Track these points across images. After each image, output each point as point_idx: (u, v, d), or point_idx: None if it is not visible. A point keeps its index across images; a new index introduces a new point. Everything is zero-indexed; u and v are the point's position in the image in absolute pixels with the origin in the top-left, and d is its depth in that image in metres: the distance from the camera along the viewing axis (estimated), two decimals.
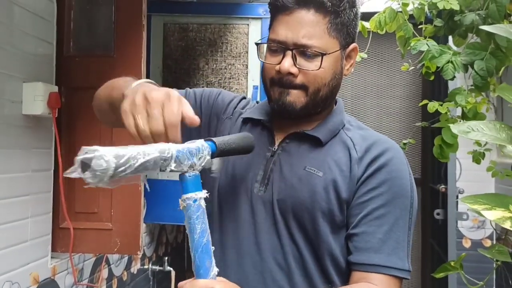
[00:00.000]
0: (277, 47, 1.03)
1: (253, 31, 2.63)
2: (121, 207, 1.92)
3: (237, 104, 1.20)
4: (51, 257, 1.86)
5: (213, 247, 0.84)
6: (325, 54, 1.01)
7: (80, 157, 0.71)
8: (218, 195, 1.10)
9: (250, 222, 1.06)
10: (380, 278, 0.99)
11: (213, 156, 0.85)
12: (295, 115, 1.05)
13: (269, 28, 1.07)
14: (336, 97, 1.15)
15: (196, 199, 0.82)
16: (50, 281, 1.85)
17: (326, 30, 1.02)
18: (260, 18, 2.61)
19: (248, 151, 0.96)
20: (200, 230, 0.81)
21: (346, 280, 1.04)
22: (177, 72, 2.67)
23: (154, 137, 0.82)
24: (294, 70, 1.02)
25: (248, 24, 2.64)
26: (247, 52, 2.64)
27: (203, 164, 0.83)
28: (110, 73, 1.90)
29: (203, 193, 0.83)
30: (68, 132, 1.90)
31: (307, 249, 1.03)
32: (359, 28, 1.12)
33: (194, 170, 0.82)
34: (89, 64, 1.92)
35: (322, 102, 1.06)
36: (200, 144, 0.84)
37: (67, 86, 1.89)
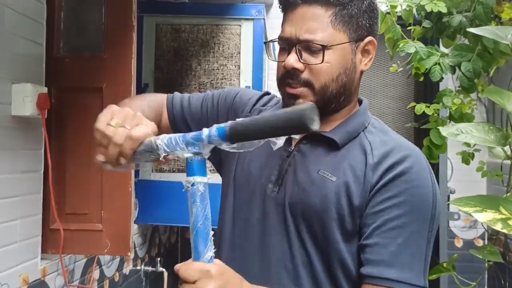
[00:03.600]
0: (284, 45, 1.03)
1: (245, 32, 2.62)
2: (112, 208, 1.92)
3: (256, 101, 1.19)
4: (41, 259, 1.85)
5: (213, 232, 0.84)
6: (326, 47, 0.98)
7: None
8: (234, 192, 1.09)
9: (261, 222, 1.04)
10: None
11: (229, 139, 0.82)
12: None
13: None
14: (361, 97, 1.11)
15: (194, 183, 0.83)
16: (40, 283, 1.85)
17: (330, 23, 0.99)
18: (252, 19, 2.61)
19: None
20: (195, 214, 0.83)
21: None
22: (169, 73, 2.66)
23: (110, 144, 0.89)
24: (299, 65, 1.00)
25: (240, 25, 2.64)
26: (239, 53, 2.64)
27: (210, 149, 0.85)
28: (100, 74, 1.91)
29: (202, 179, 0.84)
30: (58, 133, 1.89)
31: (316, 255, 1.00)
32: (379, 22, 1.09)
33: (200, 155, 0.84)
34: (79, 65, 1.91)
35: (334, 98, 1.02)
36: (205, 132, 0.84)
37: (56, 87, 1.88)
